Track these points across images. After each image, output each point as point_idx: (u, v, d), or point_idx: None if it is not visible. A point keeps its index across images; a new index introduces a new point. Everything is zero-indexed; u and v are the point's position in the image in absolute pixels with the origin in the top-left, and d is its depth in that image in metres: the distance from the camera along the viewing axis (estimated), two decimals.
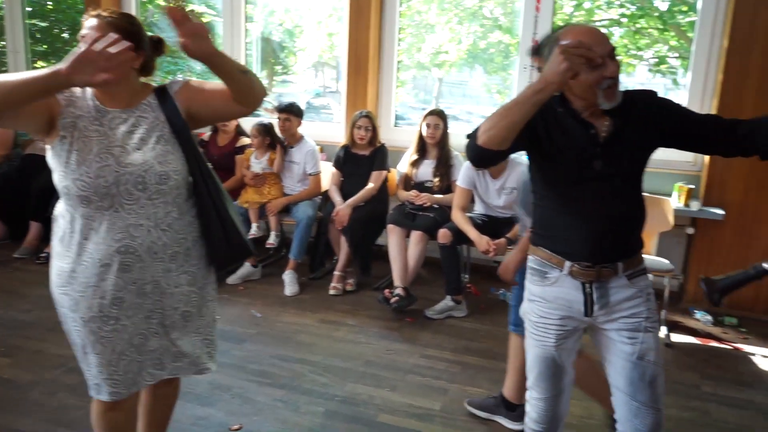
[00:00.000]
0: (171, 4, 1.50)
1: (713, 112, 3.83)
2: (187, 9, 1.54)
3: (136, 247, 1.64)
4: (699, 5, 3.95)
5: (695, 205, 3.83)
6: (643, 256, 1.76)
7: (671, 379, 3.07)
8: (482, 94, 5.42)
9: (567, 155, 1.66)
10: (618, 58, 1.61)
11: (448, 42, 5.23)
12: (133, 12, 5.48)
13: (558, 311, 1.73)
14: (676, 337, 3.59)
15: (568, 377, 1.84)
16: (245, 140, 4.57)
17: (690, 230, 3.99)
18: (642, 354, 1.68)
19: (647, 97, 1.71)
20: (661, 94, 1.71)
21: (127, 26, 1.63)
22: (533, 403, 1.87)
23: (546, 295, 1.74)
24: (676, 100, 1.72)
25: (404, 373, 3.06)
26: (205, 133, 4.67)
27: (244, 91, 1.66)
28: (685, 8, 4.45)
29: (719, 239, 3.94)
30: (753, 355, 3.42)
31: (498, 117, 1.51)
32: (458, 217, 3.72)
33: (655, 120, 1.66)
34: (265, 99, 1.74)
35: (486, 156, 1.56)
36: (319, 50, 6.38)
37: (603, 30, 1.64)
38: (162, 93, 1.73)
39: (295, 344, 3.33)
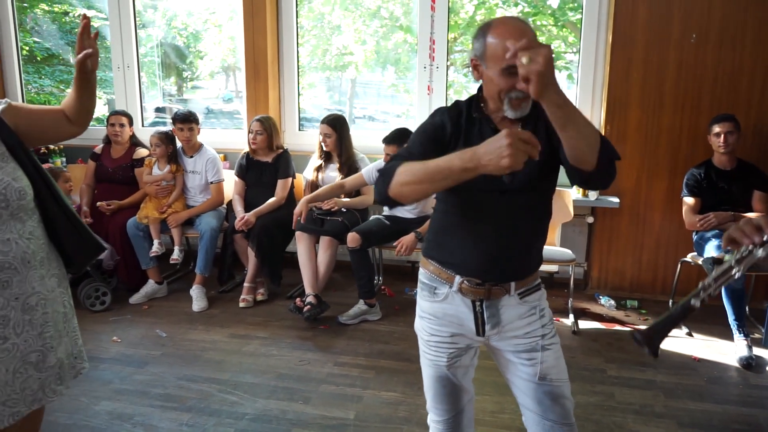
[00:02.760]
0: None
1: (604, 103, 3.99)
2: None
3: (10, 261, 1.61)
4: (584, 1, 4.10)
5: (593, 195, 3.97)
6: (539, 269, 1.67)
7: (578, 365, 3.17)
8: (394, 93, 5.39)
9: None
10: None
11: (354, 43, 5.18)
12: (9, 18, 5.11)
13: (448, 328, 1.64)
14: (583, 324, 3.71)
15: (467, 396, 1.74)
16: (143, 151, 4.35)
17: (590, 219, 4.14)
18: (544, 374, 1.60)
19: None
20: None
21: None
22: (433, 427, 1.77)
23: (436, 312, 1.65)
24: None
25: (318, 383, 2.99)
26: (99, 145, 4.41)
27: (89, 110, 1.82)
28: (573, 5, 4.61)
29: (617, 226, 4.11)
30: None
31: (417, 179, 1.38)
32: None
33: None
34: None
35: (394, 203, 1.49)
36: (221, 54, 6.20)
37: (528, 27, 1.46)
38: None
39: (203, 363, 3.19)
